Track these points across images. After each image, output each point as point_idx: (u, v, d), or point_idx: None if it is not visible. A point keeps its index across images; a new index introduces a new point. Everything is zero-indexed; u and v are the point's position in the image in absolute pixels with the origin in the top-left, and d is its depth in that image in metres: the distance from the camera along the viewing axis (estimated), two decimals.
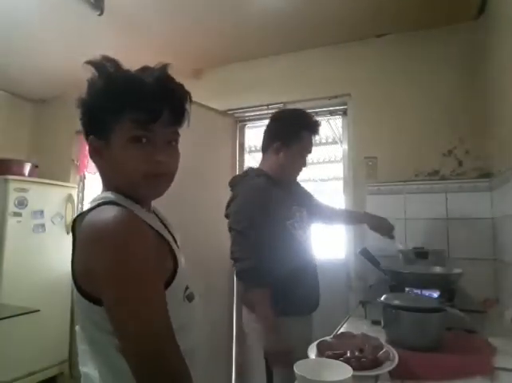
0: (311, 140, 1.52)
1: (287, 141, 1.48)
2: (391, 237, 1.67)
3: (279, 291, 1.35)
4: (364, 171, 2.17)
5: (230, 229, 1.41)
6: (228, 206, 1.49)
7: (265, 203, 1.39)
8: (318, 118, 2.48)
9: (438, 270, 1.49)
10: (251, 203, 1.39)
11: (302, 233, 1.47)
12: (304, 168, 1.56)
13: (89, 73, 0.71)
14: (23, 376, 2.56)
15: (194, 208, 2.10)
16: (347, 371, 0.70)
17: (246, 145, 2.73)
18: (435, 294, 1.29)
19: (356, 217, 1.86)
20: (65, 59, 2.60)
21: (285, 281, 1.37)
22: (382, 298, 1.06)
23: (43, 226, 2.81)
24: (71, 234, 0.72)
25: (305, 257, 1.47)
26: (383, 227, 1.67)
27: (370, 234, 2.07)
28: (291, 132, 1.48)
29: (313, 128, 1.51)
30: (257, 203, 1.38)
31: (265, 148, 1.56)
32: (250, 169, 1.60)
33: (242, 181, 1.51)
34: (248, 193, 1.43)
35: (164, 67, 0.72)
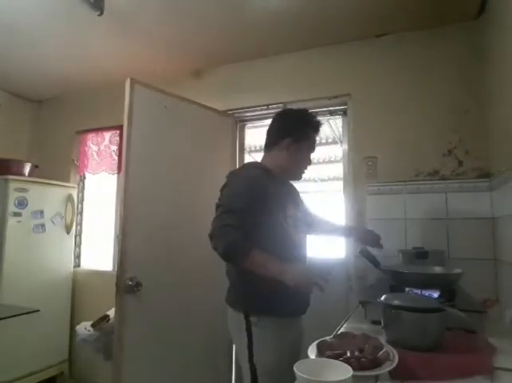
0: (315, 138, 1.56)
1: (297, 138, 1.48)
2: (380, 246, 1.64)
3: (262, 287, 1.28)
4: (364, 171, 2.17)
5: (217, 207, 1.32)
6: (221, 193, 1.41)
7: (258, 191, 1.33)
8: (318, 118, 2.52)
9: (438, 270, 1.49)
10: (243, 188, 1.33)
11: (295, 231, 1.43)
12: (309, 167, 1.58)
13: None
14: (23, 376, 2.56)
15: (194, 208, 2.10)
16: (347, 371, 0.70)
17: (246, 145, 2.72)
18: (435, 294, 1.29)
19: (342, 231, 1.84)
20: (65, 59, 2.60)
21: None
22: (382, 298, 1.06)
23: (43, 226, 2.81)
24: None
25: (294, 253, 1.40)
26: (369, 239, 1.64)
27: None
28: (300, 130, 1.50)
29: (318, 127, 1.54)
30: (249, 189, 1.32)
31: (270, 145, 1.54)
32: (249, 162, 1.60)
33: (239, 171, 1.50)
34: (241, 180, 1.37)
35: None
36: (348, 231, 1.80)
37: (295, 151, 1.48)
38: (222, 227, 1.22)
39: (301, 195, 1.69)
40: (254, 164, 1.53)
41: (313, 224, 1.68)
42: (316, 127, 1.54)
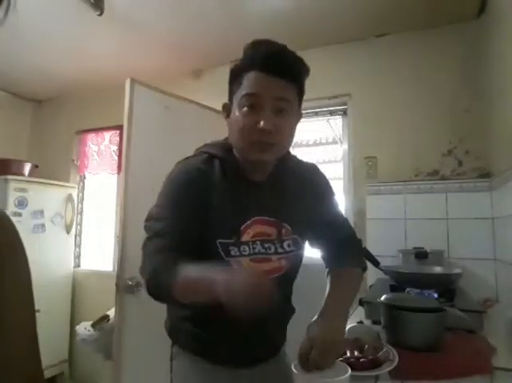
0: (258, 79, 0.85)
1: (230, 94, 0.93)
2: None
3: (191, 312, 0.93)
4: (364, 171, 2.17)
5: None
6: None
7: (183, 197, 0.87)
8: (318, 118, 2.52)
9: (438, 270, 1.49)
10: (165, 191, 0.92)
11: (257, 265, 0.90)
12: (257, 127, 0.83)
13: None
14: None
15: None
16: (346, 370, 0.70)
17: None
18: (435, 294, 1.29)
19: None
20: (65, 59, 2.60)
21: (205, 313, 0.87)
22: (382, 298, 1.06)
23: (43, 226, 2.81)
24: None
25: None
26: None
27: (370, 234, 2.08)
28: (233, 79, 0.92)
29: (261, 60, 0.85)
30: (171, 193, 0.90)
31: None
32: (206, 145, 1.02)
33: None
34: (168, 178, 0.95)
35: None
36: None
37: (230, 115, 0.92)
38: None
39: (323, 195, 1.03)
40: (202, 148, 1.02)
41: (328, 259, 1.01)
42: (248, 59, 0.88)
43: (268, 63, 0.84)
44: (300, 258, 0.99)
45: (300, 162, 1.05)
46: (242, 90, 0.86)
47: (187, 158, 0.98)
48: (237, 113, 0.87)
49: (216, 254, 0.86)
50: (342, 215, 1.09)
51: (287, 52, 0.87)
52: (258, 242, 0.90)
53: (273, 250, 0.92)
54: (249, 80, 0.86)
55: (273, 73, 0.84)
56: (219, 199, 0.88)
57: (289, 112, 0.87)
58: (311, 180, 1.01)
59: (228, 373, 0.93)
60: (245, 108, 0.85)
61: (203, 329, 0.92)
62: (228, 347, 0.92)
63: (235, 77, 0.90)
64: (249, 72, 0.86)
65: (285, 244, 0.93)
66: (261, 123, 0.82)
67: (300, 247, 0.97)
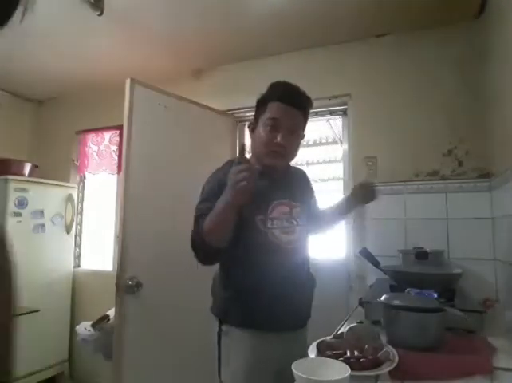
0: (279, 108, 1.23)
1: (255, 116, 1.30)
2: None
3: (243, 295, 1.18)
4: (364, 171, 2.17)
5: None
6: None
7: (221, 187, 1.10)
8: (318, 118, 2.52)
9: (438, 270, 1.49)
10: (208, 184, 1.25)
11: (284, 236, 1.22)
12: (274, 142, 1.21)
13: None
14: (23, 376, 2.56)
15: (193, 208, 2.10)
16: (346, 371, 0.70)
17: (246, 145, 2.72)
18: (435, 294, 1.29)
19: (342, 206, 1.46)
20: (65, 59, 2.60)
21: (249, 286, 1.18)
22: (382, 298, 1.06)
23: (43, 226, 2.81)
24: None
25: (275, 259, 1.20)
26: (363, 195, 1.39)
27: (370, 234, 2.08)
28: (259, 106, 1.29)
29: (281, 95, 1.23)
30: (212, 184, 1.21)
31: None
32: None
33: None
34: (211, 176, 1.28)
35: None
36: (345, 202, 1.45)
37: (255, 131, 1.28)
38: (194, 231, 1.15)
39: (311, 189, 1.48)
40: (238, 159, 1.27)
41: (319, 222, 1.46)
42: (278, 95, 1.24)
43: (287, 97, 1.23)
44: (308, 230, 1.35)
45: (296, 167, 1.49)
46: (267, 114, 1.23)
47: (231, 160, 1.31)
48: (261, 131, 1.24)
49: (255, 228, 1.19)
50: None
51: (300, 90, 1.27)
52: (283, 218, 1.25)
53: (294, 223, 1.27)
54: (272, 108, 1.23)
55: (290, 104, 1.22)
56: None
57: (298, 132, 1.27)
58: (306, 180, 1.49)
59: (276, 338, 1.18)
60: (268, 127, 1.22)
61: (249, 302, 1.16)
62: (276, 313, 1.16)
63: (261, 105, 1.27)
64: (272, 102, 1.23)
65: (299, 219, 1.29)
66: (278, 138, 1.21)
67: (307, 222, 1.33)
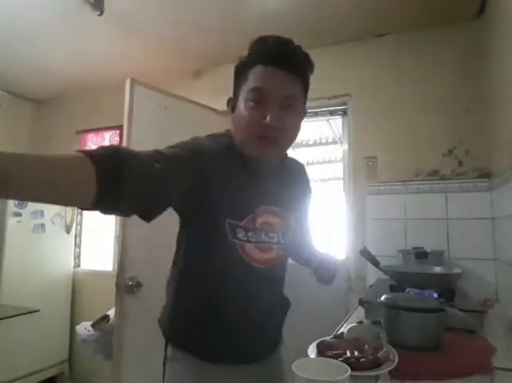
0: (264, 73, 0.84)
1: (235, 89, 0.92)
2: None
3: (195, 313, 0.91)
4: (364, 171, 2.17)
5: None
6: None
7: (202, 165, 0.81)
8: (318, 118, 2.52)
9: (438, 270, 1.49)
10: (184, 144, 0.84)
11: (258, 253, 0.89)
12: (262, 123, 0.82)
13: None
14: (23, 376, 2.57)
15: None
16: (345, 371, 0.70)
17: None
18: (435, 294, 1.29)
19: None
20: (65, 59, 2.60)
21: (197, 308, 0.90)
22: (382, 298, 1.06)
23: (43, 226, 2.81)
24: None
25: (244, 284, 0.89)
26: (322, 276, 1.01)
27: (370, 234, 2.08)
28: (238, 73, 0.91)
29: (266, 55, 0.84)
30: (183, 144, 0.84)
31: None
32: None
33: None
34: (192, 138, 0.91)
35: None
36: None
37: (235, 110, 0.90)
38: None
39: (309, 193, 1.10)
40: (226, 132, 0.97)
41: (298, 249, 1.07)
42: (253, 53, 0.87)
43: (274, 56, 0.83)
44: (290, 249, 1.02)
45: (292, 158, 1.07)
46: (248, 84, 0.85)
47: (215, 135, 0.95)
48: (242, 108, 0.85)
49: (223, 233, 0.85)
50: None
51: (293, 45, 0.86)
52: (264, 231, 0.90)
53: (275, 239, 0.93)
54: (255, 75, 0.84)
55: (280, 67, 0.83)
56: (230, 183, 0.86)
57: (295, 108, 0.87)
58: (304, 179, 1.08)
59: (228, 370, 0.90)
60: (251, 103, 0.84)
61: (203, 326, 0.89)
62: (228, 342, 0.88)
63: (241, 72, 0.88)
64: (255, 66, 0.85)
65: (285, 235, 0.95)
66: (268, 118, 0.81)
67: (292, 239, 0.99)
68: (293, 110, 0.86)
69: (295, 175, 1.05)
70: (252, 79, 0.85)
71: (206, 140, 0.90)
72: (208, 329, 0.89)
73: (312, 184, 1.12)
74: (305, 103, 0.93)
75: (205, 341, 0.89)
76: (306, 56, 0.88)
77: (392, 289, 1.38)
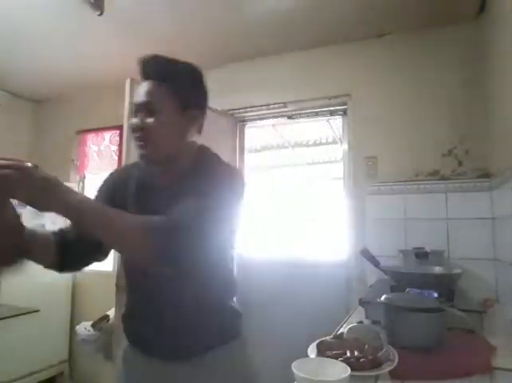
0: (138, 86, 0.95)
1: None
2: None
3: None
4: (364, 171, 2.17)
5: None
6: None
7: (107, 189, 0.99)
8: (318, 118, 2.52)
9: (438, 270, 1.49)
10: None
11: None
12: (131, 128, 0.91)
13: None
14: (23, 376, 2.56)
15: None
16: (345, 371, 0.70)
17: (246, 145, 2.73)
18: (435, 294, 1.29)
19: None
20: (65, 59, 2.60)
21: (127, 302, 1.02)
22: (382, 298, 1.06)
23: (43, 226, 2.80)
24: None
25: (148, 284, 0.92)
26: None
27: (370, 234, 2.08)
28: None
29: (139, 73, 0.94)
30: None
31: None
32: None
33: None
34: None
35: None
36: None
37: None
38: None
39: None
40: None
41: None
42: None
43: (141, 71, 0.93)
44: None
45: (207, 162, 1.05)
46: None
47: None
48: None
49: None
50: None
51: (156, 56, 0.91)
52: None
53: None
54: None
55: (144, 78, 0.92)
56: (128, 201, 0.94)
57: (160, 109, 0.89)
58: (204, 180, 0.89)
59: (159, 366, 0.93)
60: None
61: (129, 322, 0.99)
62: (149, 332, 0.93)
63: None
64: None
65: None
66: (133, 121, 0.90)
67: None
68: (158, 112, 0.89)
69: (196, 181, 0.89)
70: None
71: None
72: (128, 326, 1.00)
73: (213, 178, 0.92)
74: (186, 106, 0.93)
75: (133, 329, 1.00)
76: (173, 62, 0.92)
77: (392, 289, 1.38)
